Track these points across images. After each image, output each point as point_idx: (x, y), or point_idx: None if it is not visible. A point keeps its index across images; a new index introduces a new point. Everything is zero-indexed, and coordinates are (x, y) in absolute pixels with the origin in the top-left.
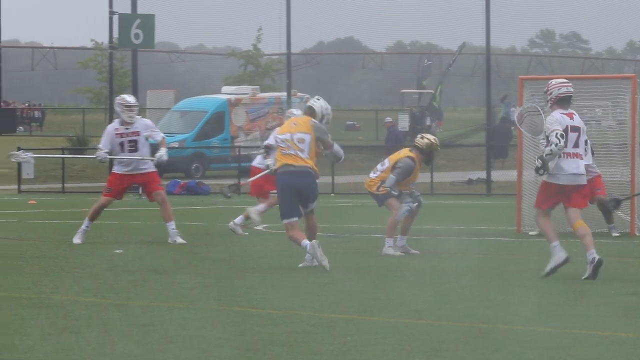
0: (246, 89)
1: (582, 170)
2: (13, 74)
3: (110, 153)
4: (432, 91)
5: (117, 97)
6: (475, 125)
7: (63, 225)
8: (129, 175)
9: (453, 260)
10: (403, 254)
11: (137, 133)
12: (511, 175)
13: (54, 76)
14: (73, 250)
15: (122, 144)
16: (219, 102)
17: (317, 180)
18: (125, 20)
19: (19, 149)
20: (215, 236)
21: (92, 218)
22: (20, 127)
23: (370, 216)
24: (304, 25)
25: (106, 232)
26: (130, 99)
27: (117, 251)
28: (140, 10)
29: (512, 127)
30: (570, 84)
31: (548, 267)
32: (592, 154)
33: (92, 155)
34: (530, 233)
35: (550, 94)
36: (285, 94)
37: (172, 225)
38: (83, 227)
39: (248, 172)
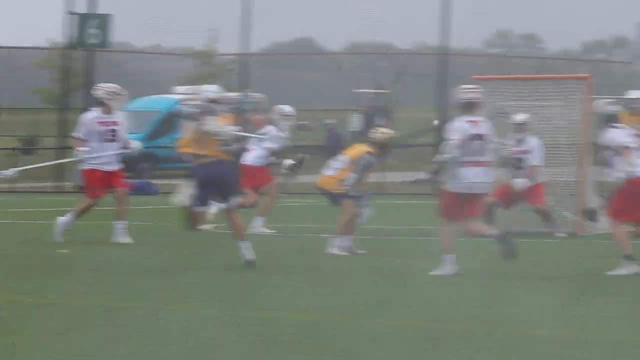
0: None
1: (484, 178)
2: None
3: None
4: (388, 91)
5: (104, 85)
6: (427, 126)
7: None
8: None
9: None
10: (349, 254)
11: (117, 123)
12: None
13: (5, 76)
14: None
15: (101, 133)
16: (171, 102)
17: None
18: (82, 20)
19: None
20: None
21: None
22: None
23: (318, 216)
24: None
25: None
26: (118, 87)
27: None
28: (97, 10)
29: None
30: (477, 89)
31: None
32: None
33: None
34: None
35: (457, 99)
36: (240, 94)
37: (121, 225)
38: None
39: None
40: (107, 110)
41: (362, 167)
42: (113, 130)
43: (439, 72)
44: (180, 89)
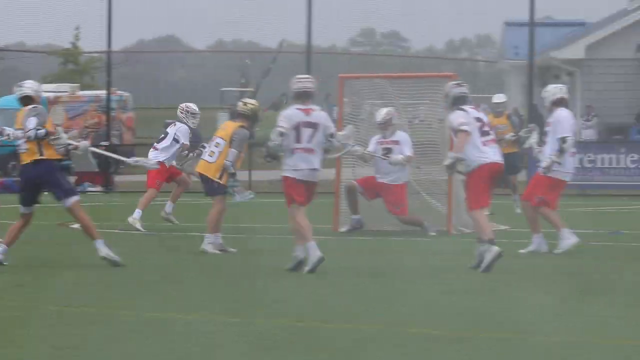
0: (65, 87)
1: (316, 166)
2: None
3: None
4: (253, 89)
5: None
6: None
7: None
8: None
9: (275, 258)
10: (220, 251)
11: None
12: (330, 173)
13: None
14: None
15: None
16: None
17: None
18: None
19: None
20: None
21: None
22: None
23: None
24: (124, 23)
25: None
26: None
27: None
28: None
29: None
30: (310, 79)
31: (307, 268)
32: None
33: None
34: (341, 230)
35: (291, 89)
36: (105, 92)
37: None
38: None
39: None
40: None
41: (238, 141)
42: None
43: (305, 70)
44: (47, 87)
